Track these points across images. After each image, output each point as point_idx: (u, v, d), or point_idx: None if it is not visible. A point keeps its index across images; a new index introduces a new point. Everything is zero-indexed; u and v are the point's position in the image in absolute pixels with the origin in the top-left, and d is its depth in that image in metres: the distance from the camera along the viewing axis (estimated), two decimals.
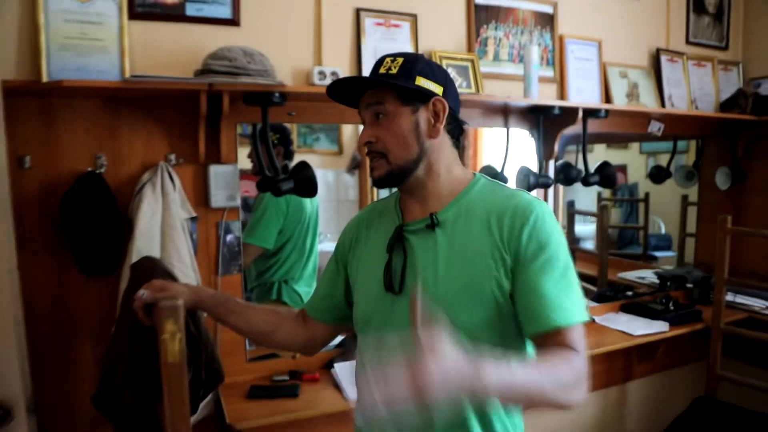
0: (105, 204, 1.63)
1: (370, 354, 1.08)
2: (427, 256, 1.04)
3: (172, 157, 1.74)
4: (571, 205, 3.26)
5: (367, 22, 1.97)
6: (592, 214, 3.22)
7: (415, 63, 1.04)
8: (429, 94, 1.03)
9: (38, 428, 1.54)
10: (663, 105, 2.52)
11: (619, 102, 2.41)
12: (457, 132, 1.09)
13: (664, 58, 2.53)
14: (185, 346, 1.08)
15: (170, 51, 1.72)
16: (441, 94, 1.04)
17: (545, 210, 1.01)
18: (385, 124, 1.03)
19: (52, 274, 1.63)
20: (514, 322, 1.01)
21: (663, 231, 3.60)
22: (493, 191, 1.07)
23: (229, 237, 1.85)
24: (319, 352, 1.99)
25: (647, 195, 3.42)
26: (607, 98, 2.41)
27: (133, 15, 1.66)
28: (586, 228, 3.42)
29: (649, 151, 3.38)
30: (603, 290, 2.87)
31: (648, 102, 2.48)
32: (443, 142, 1.06)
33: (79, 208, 1.59)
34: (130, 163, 1.70)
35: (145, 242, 1.61)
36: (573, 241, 3.24)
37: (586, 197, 3.32)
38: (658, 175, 2.99)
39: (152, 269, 1.31)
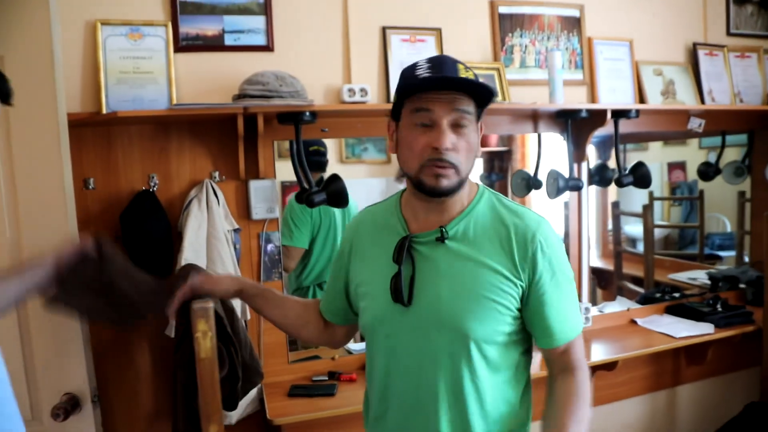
0: (158, 219, 1.81)
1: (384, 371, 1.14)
2: (438, 269, 1.07)
3: (216, 174, 1.91)
4: (615, 206, 3.22)
5: (393, 39, 2.08)
6: (636, 215, 3.15)
7: (483, 85, 1.02)
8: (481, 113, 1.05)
9: (102, 419, 1.74)
10: (702, 101, 2.46)
11: (654, 100, 2.38)
12: None
13: (701, 53, 2.47)
14: (216, 344, 1.22)
15: (212, 78, 1.90)
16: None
17: (550, 228, 1.08)
18: (465, 135, 1.02)
19: None
20: (519, 334, 1.10)
21: (728, 229, 3.46)
22: (497, 205, 1.10)
23: (269, 246, 2.00)
24: (357, 354, 2.13)
25: (701, 193, 3.31)
26: (641, 97, 2.39)
27: (179, 48, 1.85)
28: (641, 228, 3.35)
29: (710, 146, 3.27)
30: (648, 292, 2.81)
31: (686, 99, 2.43)
32: None
33: (136, 223, 1.78)
34: (179, 181, 1.88)
35: (192, 253, 1.78)
36: (619, 242, 3.18)
37: (643, 197, 3.26)
38: (706, 172, 2.90)
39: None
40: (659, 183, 3.55)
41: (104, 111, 1.75)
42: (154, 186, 1.85)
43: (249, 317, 1.93)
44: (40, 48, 1.44)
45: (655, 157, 3.54)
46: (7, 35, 1.42)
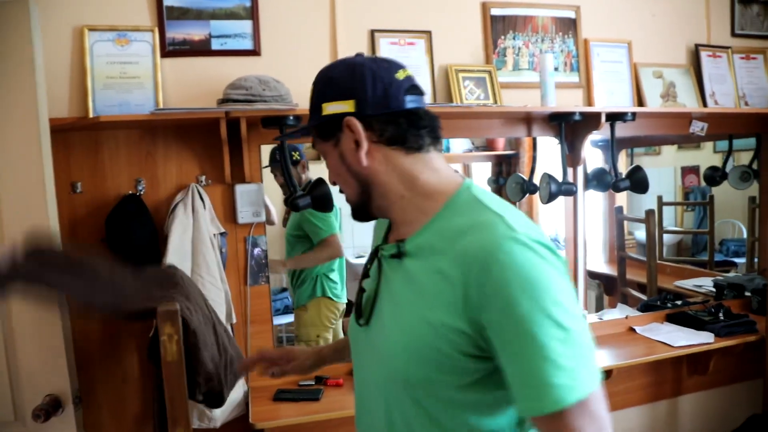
0: (143, 222, 1.82)
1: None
2: (391, 290, 0.89)
3: (203, 178, 1.92)
4: (619, 211, 3.15)
5: (382, 42, 2.06)
6: (638, 220, 3.08)
7: (317, 87, 0.90)
8: (339, 119, 0.86)
9: (88, 421, 1.76)
10: (705, 103, 2.39)
11: (654, 103, 2.32)
12: (405, 131, 0.87)
13: (704, 54, 2.41)
14: (182, 347, 1.22)
15: (199, 82, 1.91)
16: (352, 109, 0.86)
17: (520, 249, 0.74)
18: (327, 164, 0.95)
19: None
20: (490, 393, 0.82)
21: (744, 235, 3.37)
22: (469, 213, 0.82)
23: (256, 250, 2.00)
24: (346, 361, 2.12)
25: (711, 198, 3.23)
26: (640, 100, 2.33)
27: (165, 53, 1.86)
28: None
29: (724, 150, 3.19)
30: (650, 299, 2.74)
31: (687, 101, 2.37)
32: (389, 157, 0.87)
33: (121, 227, 1.80)
34: (166, 185, 1.90)
35: (177, 256, 1.79)
36: (622, 247, 3.11)
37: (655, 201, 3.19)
38: (712, 176, 2.82)
39: (166, 280, 1.47)
40: (672, 187, 3.48)
41: (91, 115, 1.77)
42: (141, 190, 1.86)
43: (234, 320, 1.93)
44: (21, 54, 1.46)
45: (669, 161, 3.47)
46: None
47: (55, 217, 1.57)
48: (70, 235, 1.79)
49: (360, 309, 0.94)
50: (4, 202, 1.51)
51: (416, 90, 0.89)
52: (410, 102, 0.88)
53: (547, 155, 2.37)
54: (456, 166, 3.78)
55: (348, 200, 0.94)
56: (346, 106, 0.86)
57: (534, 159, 2.30)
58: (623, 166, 2.80)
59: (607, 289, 3.27)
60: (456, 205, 0.85)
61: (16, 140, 1.50)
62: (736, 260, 3.34)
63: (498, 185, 3.85)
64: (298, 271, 2.55)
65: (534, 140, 2.32)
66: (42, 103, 1.51)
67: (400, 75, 0.89)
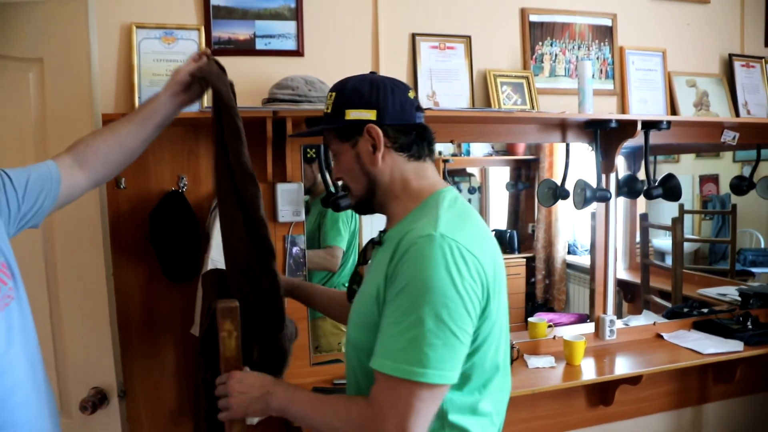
0: (186, 219, 1.84)
1: None
2: (366, 272, 1.10)
3: None
4: (644, 218, 3.16)
5: (423, 45, 2.08)
6: (665, 228, 3.09)
7: (342, 95, 1.03)
8: (361, 125, 1.02)
9: (128, 413, 1.78)
10: (737, 113, 2.40)
11: (687, 112, 2.34)
12: (413, 141, 1.05)
13: (737, 64, 2.42)
14: (240, 344, 1.24)
15: (243, 81, 1.90)
16: (374, 117, 1.01)
17: (430, 246, 0.90)
18: (338, 161, 1.09)
19: (142, 279, 1.87)
20: None
21: (763, 245, 3.38)
22: (425, 213, 1.00)
23: (294, 249, 2.02)
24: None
25: (734, 207, 3.24)
26: (673, 109, 2.35)
27: (211, 52, 1.87)
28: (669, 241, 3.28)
29: (745, 159, 3.20)
30: (676, 306, 2.75)
31: (720, 111, 2.38)
32: (395, 161, 1.04)
33: (164, 223, 1.82)
34: (208, 182, 1.91)
35: (218, 253, 1.80)
36: (646, 255, 3.13)
37: (673, 210, 3.20)
38: (739, 185, 2.82)
39: (220, 280, 1.48)
40: (690, 196, 3.50)
41: None
42: (183, 187, 1.88)
43: None
44: (77, 51, 1.49)
45: (687, 169, 3.48)
46: (46, 39, 1.47)
47: (104, 211, 1.60)
48: (115, 229, 1.81)
49: (350, 290, 1.17)
50: None
51: (421, 109, 1.08)
52: (419, 118, 1.06)
53: (573, 161, 2.37)
54: (474, 169, 3.79)
55: (354, 195, 1.10)
56: (369, 114, 1.01)
57: (567, 165, 2.31)
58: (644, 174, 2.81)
59: (626, 295, 3.28)
60: (424, 206, 1.03)
61: (70, 133, 1.51)
62: (754, 270, 3.34)
63: (516, 190, 3.87)
64: (326, 282, 2.54)
65: (567, 146, 2.33)
66: (96, 98, 1.54)
67: (411, 94, 1.06)
